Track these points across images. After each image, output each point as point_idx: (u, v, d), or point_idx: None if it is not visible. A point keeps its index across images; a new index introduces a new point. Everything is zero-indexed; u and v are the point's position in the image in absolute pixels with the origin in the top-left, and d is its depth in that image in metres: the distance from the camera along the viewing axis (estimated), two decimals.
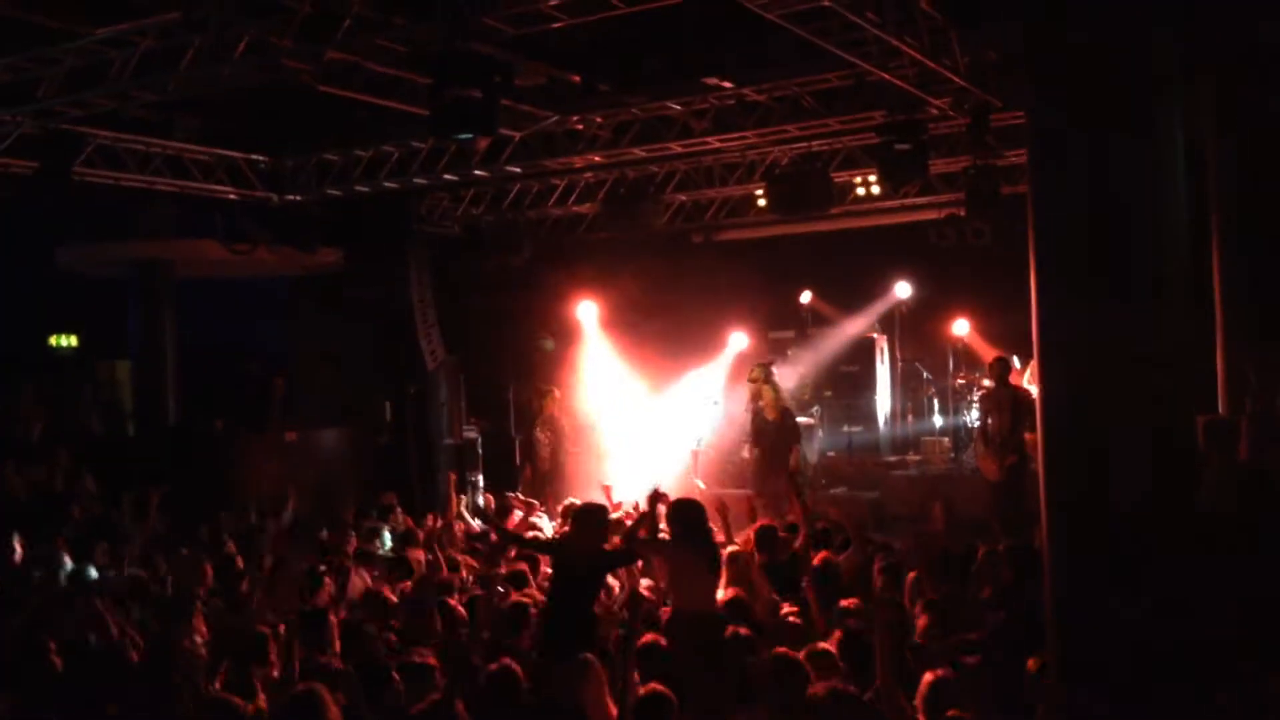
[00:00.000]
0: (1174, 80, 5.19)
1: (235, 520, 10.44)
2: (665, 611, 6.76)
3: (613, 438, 14.97)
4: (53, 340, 19.03)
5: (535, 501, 11.42)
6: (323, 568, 8.24)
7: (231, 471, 13.06)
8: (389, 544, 10.06)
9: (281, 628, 6.41)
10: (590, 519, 6.76)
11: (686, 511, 6.95)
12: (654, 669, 5.48)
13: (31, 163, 10.42)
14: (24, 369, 16.91)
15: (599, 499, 9.05)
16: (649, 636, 5.93)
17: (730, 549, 7.32)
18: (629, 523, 8.18)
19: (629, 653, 5.40)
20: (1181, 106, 5.25)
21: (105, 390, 16.72)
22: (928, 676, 4.76)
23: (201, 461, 13.28)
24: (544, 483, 14.24)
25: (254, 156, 12.66)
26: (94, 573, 8.36)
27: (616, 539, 7.73)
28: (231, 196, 12.87)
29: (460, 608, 6.92)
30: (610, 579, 7.38)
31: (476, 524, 10.59)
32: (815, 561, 7.21)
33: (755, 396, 13.43)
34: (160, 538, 9.60)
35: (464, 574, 8.55)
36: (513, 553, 8.40)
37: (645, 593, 6.96)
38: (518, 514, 10.80)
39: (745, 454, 14.07)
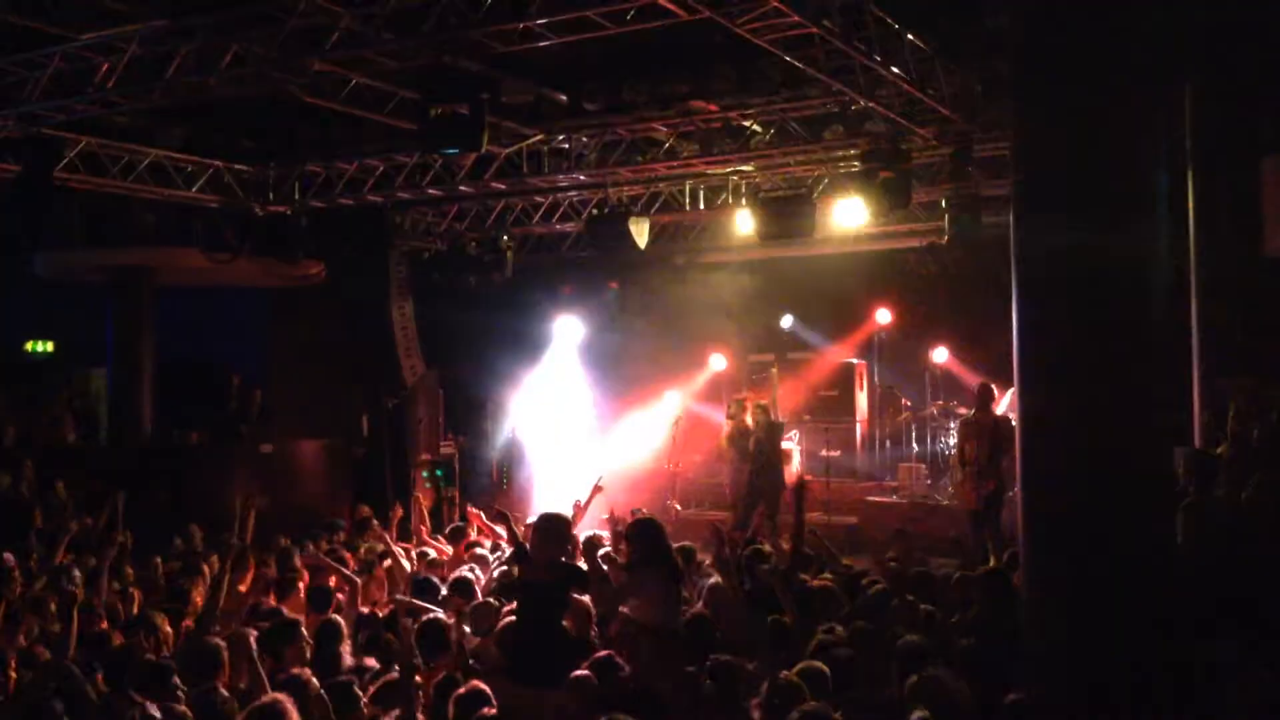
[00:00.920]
0: (1160, 104, 5.24)
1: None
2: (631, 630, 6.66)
3: (587, 457, 14.94)
4: (29, 346, 18.87)
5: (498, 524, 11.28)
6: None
7: (206, 483, 12.93)
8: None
9: (253, 637, 6.36)
10: (552, 529, 6.66)
11: (645, 531, 6.93)
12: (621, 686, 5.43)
13: (12, 167, 10.35)
14: None
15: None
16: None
17: (713, 580, 7.26)
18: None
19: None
20: (1164, 134, 5.30)
21: (80, 398, 16.57)
22: (916, 714, 4.77)
23: (176, 472, 13.15)
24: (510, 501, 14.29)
25: (237, 166, 12.61)
26: (76, 573, 8.21)
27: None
28: (214, 205, 12.81)
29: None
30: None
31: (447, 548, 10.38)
32: (812, 584, 7.19)
33: (739, 414, 13.45)
34: (129, 549, 9.47)
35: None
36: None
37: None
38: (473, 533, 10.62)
39: (723, 478, 14.05)
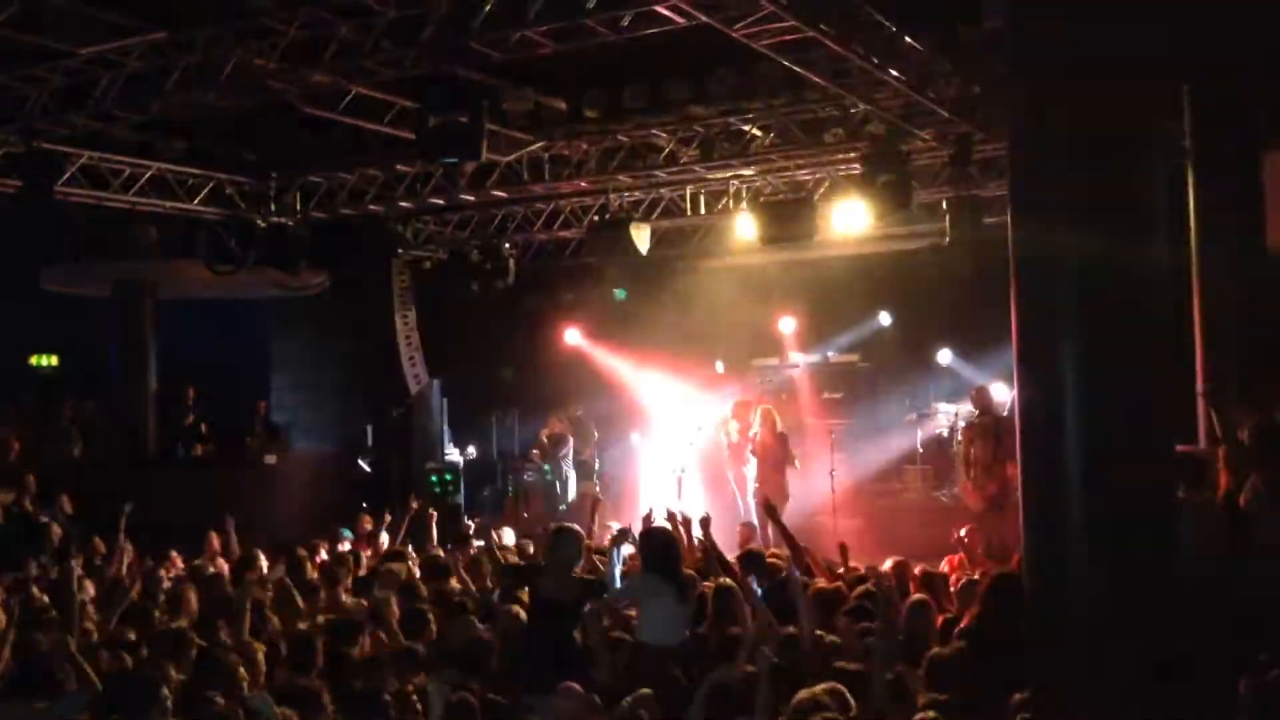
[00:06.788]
0: (1160, 107, 5.24)
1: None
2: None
3: (597, 462, 14.95)
4: (33, 360, 18.87)
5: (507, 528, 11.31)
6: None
7: (212, 495, 12.93)
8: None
9: (261, 651, 6.35)
10: (565, 543, 6.60)
11: (653, 542, 6.88)
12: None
13: (14, 182, 10.37)
14: (3, 389, 16.76)
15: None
16: None
17: (722, 581, 7.21)
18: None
19: None
20: (1162, 131, 5.30)
21: (85, 411, 16.56)
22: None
23: (181, 485, 13.16)
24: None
25: (239, 178, 12.63)
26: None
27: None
28: (216, 217, 12.83)
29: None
30: None
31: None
32: (813, 590, 7.17)
33: (751, 422, 13.46)
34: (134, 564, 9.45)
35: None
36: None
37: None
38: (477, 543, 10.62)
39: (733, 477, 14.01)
